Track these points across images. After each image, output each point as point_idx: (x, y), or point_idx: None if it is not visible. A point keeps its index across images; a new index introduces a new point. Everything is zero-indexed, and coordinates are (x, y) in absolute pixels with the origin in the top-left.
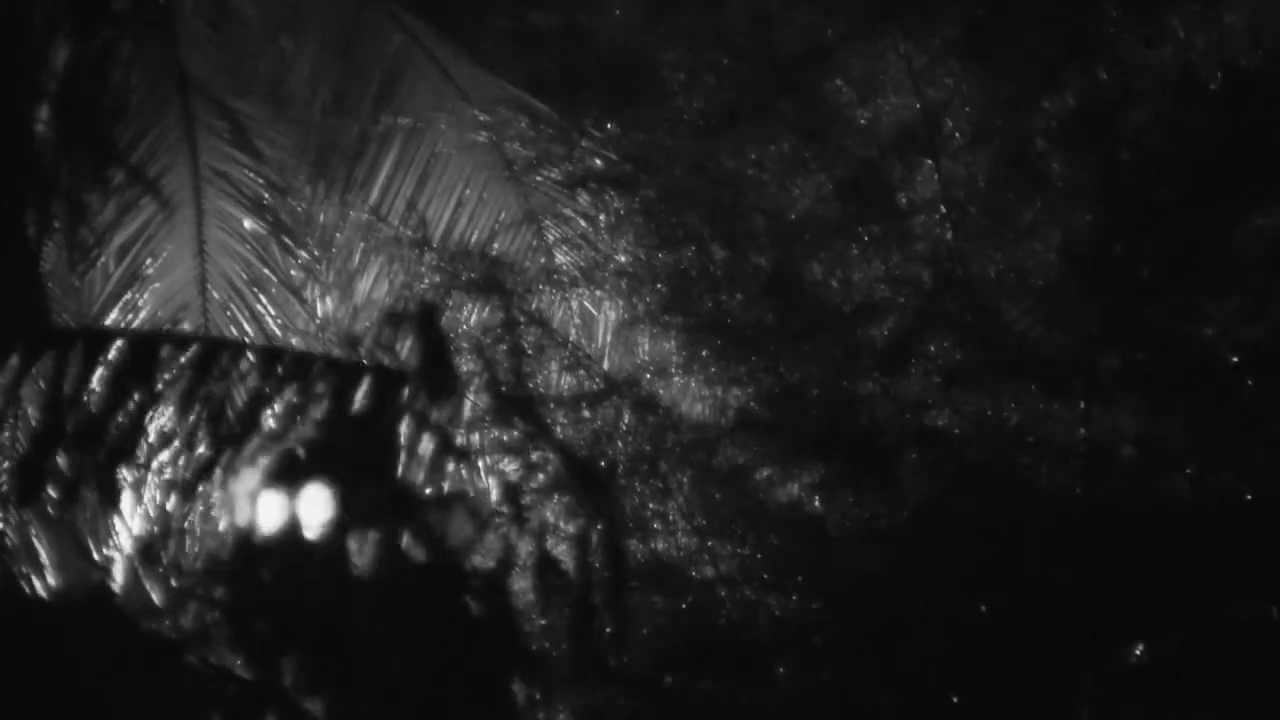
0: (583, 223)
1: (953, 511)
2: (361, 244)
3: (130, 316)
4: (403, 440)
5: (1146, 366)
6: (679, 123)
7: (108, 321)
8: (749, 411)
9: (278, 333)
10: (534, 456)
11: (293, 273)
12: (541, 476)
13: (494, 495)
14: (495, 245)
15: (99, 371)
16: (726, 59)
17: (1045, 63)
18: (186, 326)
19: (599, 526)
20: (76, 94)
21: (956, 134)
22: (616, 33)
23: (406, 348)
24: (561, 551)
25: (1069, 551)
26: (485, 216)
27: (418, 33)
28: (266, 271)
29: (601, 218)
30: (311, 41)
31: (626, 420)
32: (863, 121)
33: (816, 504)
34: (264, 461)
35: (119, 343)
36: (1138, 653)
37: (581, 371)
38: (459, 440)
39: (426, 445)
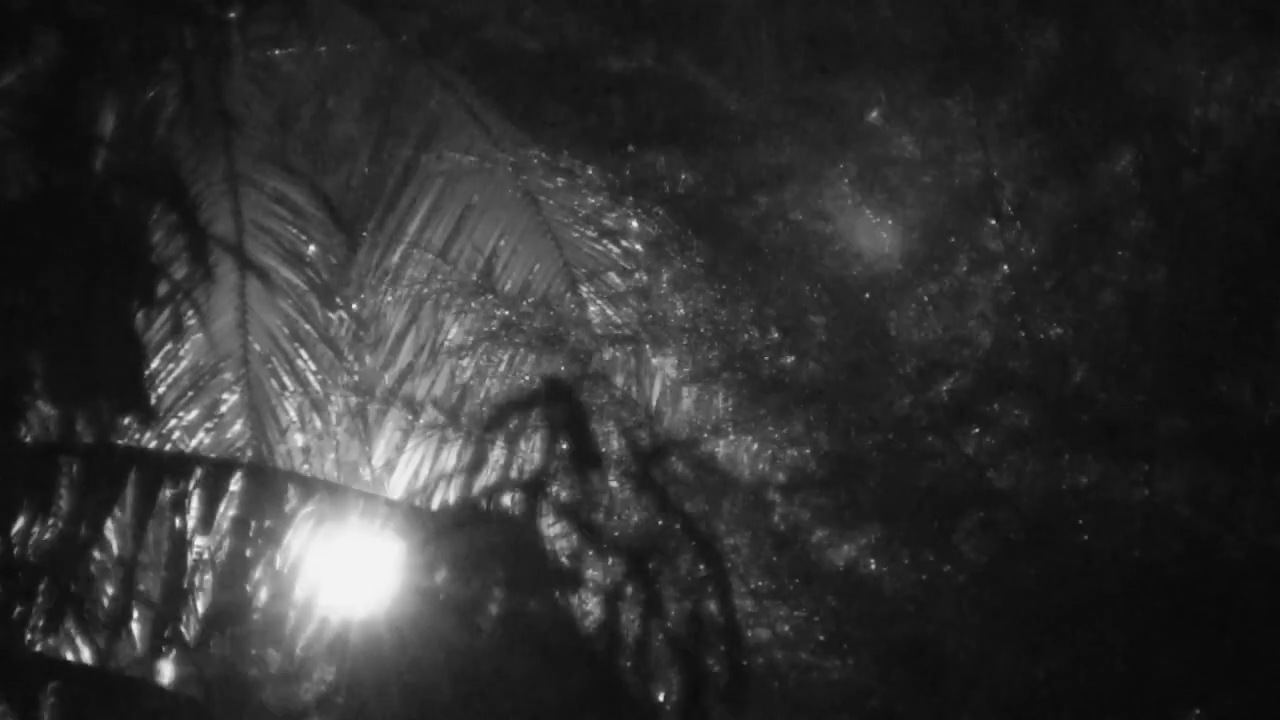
0: (632, 280)
1: (1011, 573)
2: (408, 296)
3: (171, 366)
4: (527, 516)
5: (1208, 428)
6: (738, 177)
7: (148, 372)
8: (806, 471)
9: (318, 387)
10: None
11: (332, 328)
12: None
13: (615, 565)
14: (533, 300)
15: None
16: (790, 113)
17: (1110, 123)
18: (228, 376)
19: (713, 599)
20: (125, 150)
21: (1021, 193)
22: (676, 87)
23: (540, 430)
24: (674, 621)
25: (1127, 613)
26: (527, 274)
27: (458, 89)
28: (307, 326)
29: (655, 274)
30: (353, 97)
31: (682, 479)
32: (927, 179)
33: (873, 565)
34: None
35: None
36: (1196, 715)
37: (638, 430)
38: (584, 515)
39: (554, 524)
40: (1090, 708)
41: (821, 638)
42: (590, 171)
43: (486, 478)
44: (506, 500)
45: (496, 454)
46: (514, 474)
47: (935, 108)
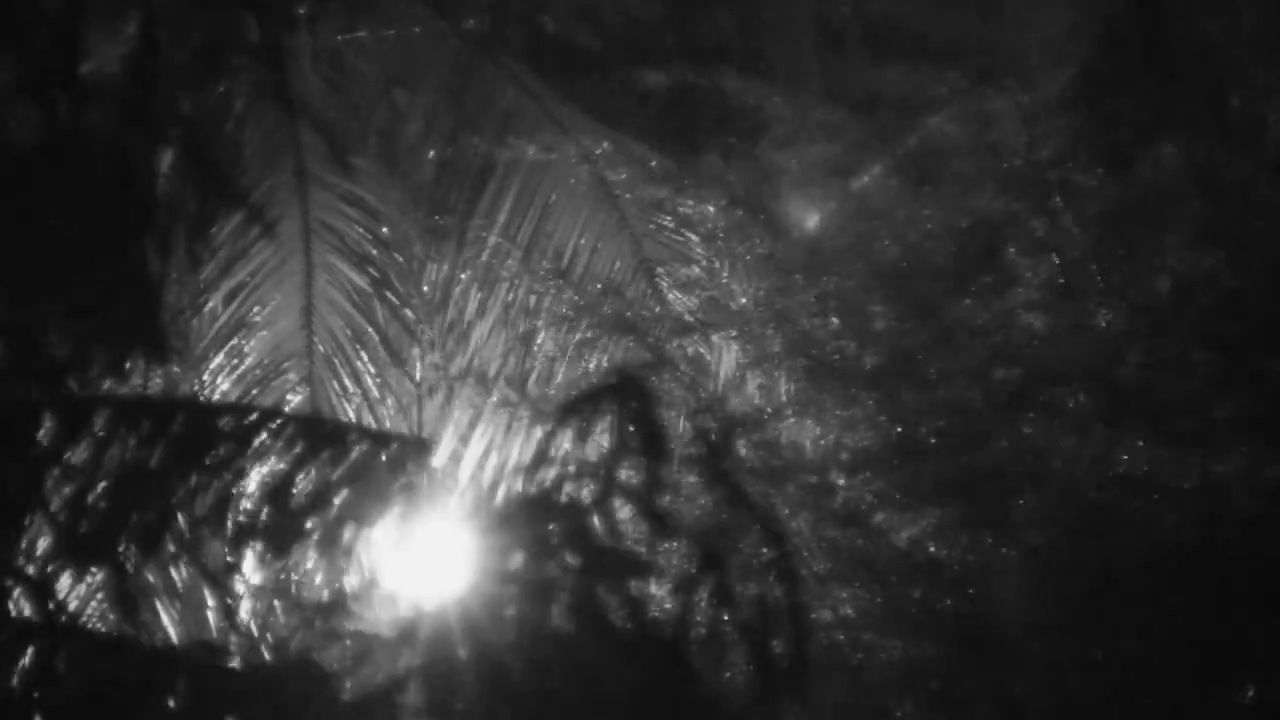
0: (698, 268)
1: (1069, 556)
2: (479, 286)
3: (235, 361)
4: (596, 503)
5: (1261, 413)
6: (790, 170)
7: (213, 365)
8: (867, 455)
9: (375, 391)
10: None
11: (395, 332)
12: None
13: (684, 552)
14: (605, 286)
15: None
16: (839, 109)
17: (1156, 110)
18: (292, 375)
19: (779, 582)
20: (193, 145)
21: (1068, 182)
22: (730, 86)
23: (608, 423)
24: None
25: (1183, 594)
26: (600, 262)
27: (529, 85)
28: (370, 329)
29: (718, 262)
30: (424, 95)
31: (746, 463)
32: (975, 171)
33: (934, 547)
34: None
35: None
36: (1250, 694)
37: (704, 414)
38: (653, 503)
39: (624, 510)
40: (1147, 688)
41: (883, 619)
42: (660, 160)
43: (554, 468)
44: (575, 489)
45: (563, 445)
46: (582, 464)
47: (979, 100)
